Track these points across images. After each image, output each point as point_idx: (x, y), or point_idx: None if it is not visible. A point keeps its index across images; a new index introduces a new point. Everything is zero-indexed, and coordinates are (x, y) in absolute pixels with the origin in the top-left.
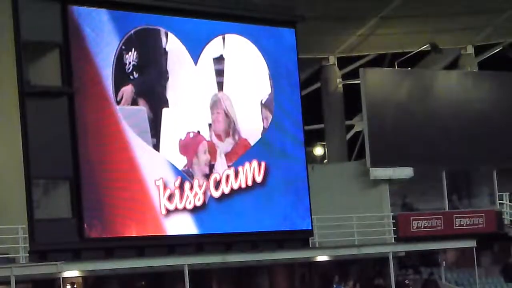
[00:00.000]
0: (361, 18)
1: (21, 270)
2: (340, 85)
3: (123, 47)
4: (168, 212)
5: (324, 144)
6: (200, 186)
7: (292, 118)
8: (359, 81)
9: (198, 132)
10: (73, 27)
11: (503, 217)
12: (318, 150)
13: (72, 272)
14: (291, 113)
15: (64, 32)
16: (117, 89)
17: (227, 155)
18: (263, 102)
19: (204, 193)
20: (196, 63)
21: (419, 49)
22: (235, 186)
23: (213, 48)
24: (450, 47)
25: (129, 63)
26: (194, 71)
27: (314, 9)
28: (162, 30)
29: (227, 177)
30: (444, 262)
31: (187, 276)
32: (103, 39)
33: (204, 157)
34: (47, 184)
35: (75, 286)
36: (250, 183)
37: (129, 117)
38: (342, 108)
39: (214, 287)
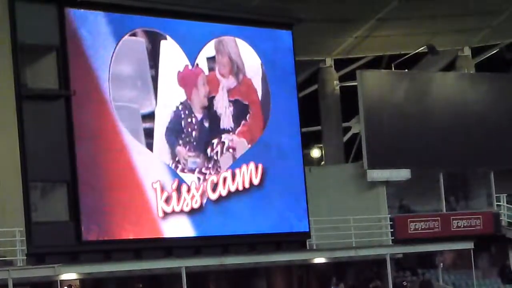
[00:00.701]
0: (358, 20)
1: (18, 273)
2: (337, 87)
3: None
4: (166, 214)
5: (321, 146)
6: (197, 189)
7: (289, 120)
8: (356, 83)
9: (197, 64)
10: (70, 30)
11: (500, 218)
12: (315, 152)
13: (69, 275)
14: (289, 115)
15: (61, 35)
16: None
17: (230, 91)
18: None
19: (202, 195)
20: (192, 64)
21: (416, 51)
22: (233, 189)
23: (210, 49)
24: (447, 48)
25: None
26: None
27: (311, 11)
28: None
29: (224, 179)
30: (441, 264)
31: (185, 278)
32: (100, 42)
33: (203, 89)
34: (44, 187)
35: None
36: (247, 185)
37: (128, 52)
38: (339, 110)
39: None
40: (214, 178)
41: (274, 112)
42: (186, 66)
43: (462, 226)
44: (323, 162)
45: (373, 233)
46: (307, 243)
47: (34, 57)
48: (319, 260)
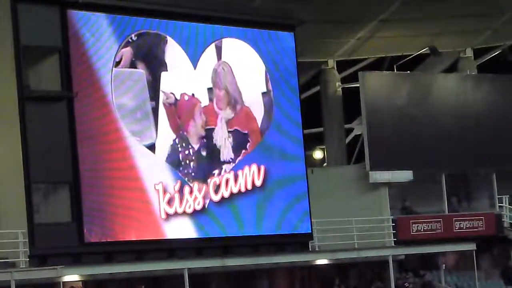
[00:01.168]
0: (360, 21)
1: (21, 275)
2: (339, 89)
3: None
4: (168, 216)
5: (324, 148)
6: (199, 190)
7: (292, 122)
8: (358, 85)
9: (193, 94)
10: (72, 31)
11: (502, 220)
12: (318, 154)
13: (72, 277)
14: (291, 116)
15: (63, 36)
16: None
17: (229, 122)
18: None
19: (204, 197)
20: (195, 67)
21: (418, 52)
22: (235, 190)
23: (212, 52)
24: (449, 50)
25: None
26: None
27: (313, 12)
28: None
29: (227, 181)
30: (444, 265)
31: (187, 280)
32: (103, 43)
33: (199, 119)
34: (47, 189)
35: None
36: (249, 187)
37: (126, 81)
38: (341, 111)
39: None
40: (216, 179)
41: (277, 114)
42: (183, 95)
43: (464, 228)
44: (325, 164)
45: (375, 235)
46: (309, 244)
47: (37, 58)
48: (321, 261)
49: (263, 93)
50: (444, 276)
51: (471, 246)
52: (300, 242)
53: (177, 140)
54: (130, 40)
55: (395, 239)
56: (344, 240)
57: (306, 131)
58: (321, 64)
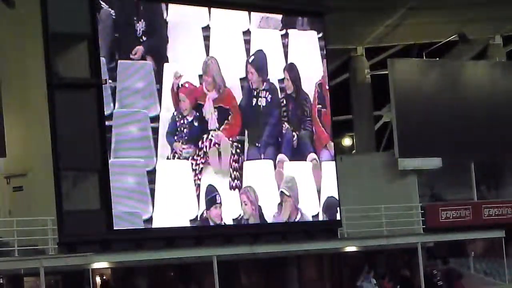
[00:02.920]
0: (389, 8)
1: (50, 262)
2: (368, 76)
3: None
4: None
5: (353, 135)
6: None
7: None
8: (387, 72)
9: (188, 81)
10: (101, 18)
11: None
12: (347, 141)
13: (101, 264)
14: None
15: (92, 23)
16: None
17: (214, 100)
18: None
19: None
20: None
21: (447, 40)
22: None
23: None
24: (478, 37)
25: (140, 29)
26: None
27: (342, 0)
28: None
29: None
30: (472, 253)
31: (216, 267)
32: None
33: (193, 99)
34: (75, 176)
35: (104, 277)
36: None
37: (138, 71)
38: (370, 98)
39: (243, 278)
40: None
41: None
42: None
43: (493, 215)
44: (354, 151)
45: (404, 222)
46: (338, 231)
47: (66, 45)
48: (350, 248)
49: (241, 79)
50: (473, 264)
51: (500, 234)
52: (329, 229)
53: (175, 113)
54: (141, 40)
55: (423, 227)
56: (373, 228)
57: (335, 118)
58: (350, 51)
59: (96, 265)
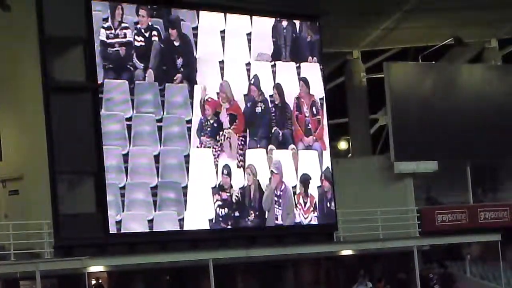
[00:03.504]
0: (385, 12)
1: (46, 266)
2: (364, 79)
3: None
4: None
5: (348, 138)
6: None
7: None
8: (383, 75)
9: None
10: (96, 22)
11: None
12: (343, 144)
13: (97, 267)
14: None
15: (88, 27)
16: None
17: (227, 109)
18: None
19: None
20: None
21: (443, 43)
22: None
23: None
24: (474, 40)
25: (179, 64)
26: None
27: (338, 3)
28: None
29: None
30: (468, 256)
31: (212, 270)
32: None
33: (213, 108)
34: (71, 179)
35: (100, 281)
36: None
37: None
38: (366, 102)
39: (238, 281)
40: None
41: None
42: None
43: (489, 218)
44: (350, 154)
45: (400, 225)
46: (334, 235)
47: (61, 49)
48: (346, 252)
49: (244, 94)
50: (469, 267)
51: (496, 237)
52: (325, 232)
53: (202, 118)
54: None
55: (419, 230)
56: (368, 231)
57: (331, 122)
58: (346, 54)
59: (92, 268)
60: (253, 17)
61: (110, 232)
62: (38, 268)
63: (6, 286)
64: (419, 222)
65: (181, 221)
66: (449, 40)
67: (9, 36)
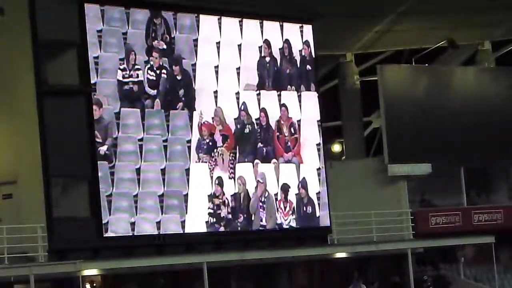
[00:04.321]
0: (378, 14)
1: (40, 269)
2: (358, 82)
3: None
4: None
5: (342, 141)
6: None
7: (310, 115)
8: (376, 78)
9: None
10: (90, 25)
11: None
12: (336, 147)
13: (91, 271)
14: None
15: (81, 30)
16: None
17: (220, 131)
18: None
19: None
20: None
21: (436, 45)
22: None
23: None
24: (467, 43)
25: (181, 94)
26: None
27: (331, 6)
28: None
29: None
30: (462, 258)
31: (206, 273)
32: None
33: (208, 129)
34: (65, 183)
35: (94, 284)
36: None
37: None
38: (359, 104)
39: (233, 284)
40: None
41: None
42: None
43: (483, 220)
44: (344, 157)
45: (394, 228)
46: (328, 238)
47: (55, 53)
48: (340, 254)
49: (235, 118)
50: (463, 269)
51: (490, 239)
52: (319, 235)
53: (199, 138)
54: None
55: (413, 232)
56: (362, 234)
57: (324, 125)
58: (339, 57)
59: (86, 272)
60: (242, 52)
61: (104, 235)
62: (32, 272)
63: None
64: (413, 224)
65: (183, 222)
66: (442, 42)
67: (3, 40)
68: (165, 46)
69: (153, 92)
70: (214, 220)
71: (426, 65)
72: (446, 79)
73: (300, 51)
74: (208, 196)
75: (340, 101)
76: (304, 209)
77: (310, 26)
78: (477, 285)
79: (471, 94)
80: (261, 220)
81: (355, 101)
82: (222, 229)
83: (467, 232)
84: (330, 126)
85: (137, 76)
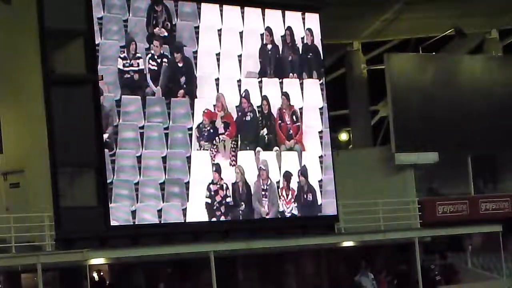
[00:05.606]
0: (385, 3)
1: (47, 258)
2: (365, 71)
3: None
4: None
5: (349, 130)
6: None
7: (317, 104)
8: (383, 66)
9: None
10: (96, 14)
11: None
12: (343, 136)
13: (98, 260)
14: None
15: (88, 19)
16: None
17: (222, 117)
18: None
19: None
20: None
21: (444, 34)
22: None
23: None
24: (475, 31)
25: (182, 82)
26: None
27: None
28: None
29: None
30: (470, 247)
31: (213, 262)
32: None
33: (210, 116)
34: (72, 172)
35: (102, 273)
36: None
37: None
38: (366, 93)
39: (239, 273)
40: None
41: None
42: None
43: (490, 209)
44: (351, 146)
45: (401, 217)
46: (335, 226)
47: (62, 42)
48: (347, 243)
49: (236, 106)
50: (470, 258)
51: (497, 228)
52: (326, 224)
53: (201, 125)
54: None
55: (421, 221)
56: (370, 222)
57: (331, 113)
58: (347, 46)
59: (93, 261)
60: (243, 40)
61: (111, 224)
62: (40, 261)
63: (7, 279)
64: (420, 213)
65: (184, 210)
66: (449, 31)
67: (9, 29)
68: (166, 33)
69: (152, 84)
70: (215, 207)
71: (433, 53)
72: (453, 68)
73: (302, 38)
74: (209, 183)
75: (347, 89)
76: (305, 196)
77: (313, 14)
78: (484, 274)
79: (478, 82)
80: (264, 208)
81: (362, 90)
82: (222, 218)
83: (474, 220)
84: (337, 115)
85: (138, 65)
